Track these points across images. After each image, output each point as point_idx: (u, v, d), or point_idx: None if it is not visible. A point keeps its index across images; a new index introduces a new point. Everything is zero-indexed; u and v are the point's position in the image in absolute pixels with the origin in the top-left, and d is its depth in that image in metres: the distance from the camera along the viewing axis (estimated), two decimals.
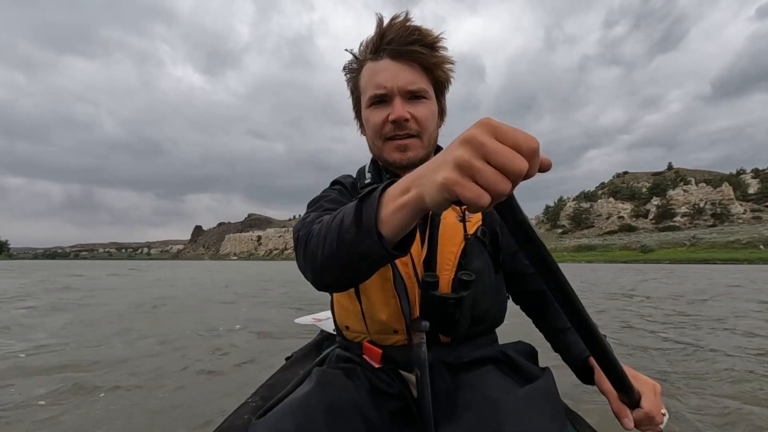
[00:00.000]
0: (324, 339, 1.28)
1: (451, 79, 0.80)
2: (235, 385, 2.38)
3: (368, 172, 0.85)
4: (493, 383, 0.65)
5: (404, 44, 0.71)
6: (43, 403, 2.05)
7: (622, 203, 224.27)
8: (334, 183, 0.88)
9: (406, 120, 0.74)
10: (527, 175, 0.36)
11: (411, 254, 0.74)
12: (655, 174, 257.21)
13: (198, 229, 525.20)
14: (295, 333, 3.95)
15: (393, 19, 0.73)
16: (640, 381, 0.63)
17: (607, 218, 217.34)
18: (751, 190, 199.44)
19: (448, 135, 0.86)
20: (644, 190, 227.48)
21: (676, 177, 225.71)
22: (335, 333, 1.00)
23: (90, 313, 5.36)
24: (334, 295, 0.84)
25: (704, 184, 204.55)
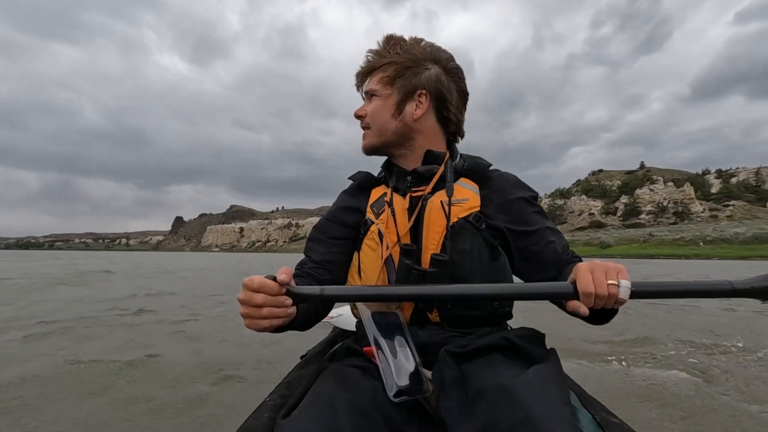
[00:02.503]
0: (337, 336, 1.30)
1: (404, 77, 0.89)
2: (251, 383, 2.44)
3: (381, 170, 1.01)
4: (501, 369, 0.67)
5: (374, 60, 0.92)
6: None
7: (594, 201, 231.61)
8: (344, 190, 1.04)
9: (358, 116, 0.94)
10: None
11: (398, 233, 0.84)
12: (628, 172, 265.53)
13: (179, 220, 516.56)
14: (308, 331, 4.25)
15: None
16: (578, 267, 0.63)
17: (579, 215, 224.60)
18: (713, 190, 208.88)
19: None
20: (615, 188, 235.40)
21: (643, 177, 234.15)
22: (348, 329, 1.06)
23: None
24: (348, 276, 0.93)
25: (671, 184, 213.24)
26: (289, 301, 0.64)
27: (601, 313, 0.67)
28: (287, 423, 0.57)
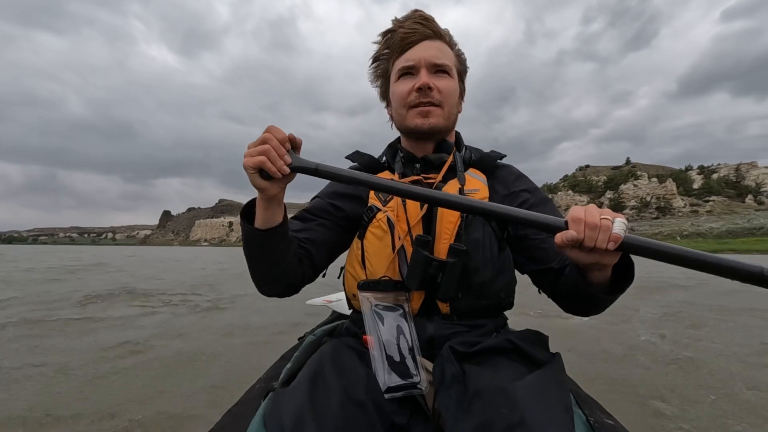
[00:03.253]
0: (335, 320, 1.31)
1: (467, 70, 0.92)
2: (249, 365, 2.53)
3: (383, 155, 0.94)
4: (502, 371, 0.66)
5: (433, 27, 0.85)
6: None
7: (580, 196, 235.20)
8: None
9: (430, 88, 0.82)
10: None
11: (409, 222, 0.81)
12: (614, 168, 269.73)
13: (166, 215, 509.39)
14: (307, 314, 4.04)
15: (414, 12, 0.86)
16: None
17: (565, 210, 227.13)
18: (695, 186, 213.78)
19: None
20: (600, 183, 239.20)
21: (628, 173, 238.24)
22: (347, 315, 1.06)
23: None
24: (346, 265, 0.89)
25: (655, 179, 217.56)
26: (289, 159, 0.64)
27: (596, 279, 0.65)
28: (282, 393, 0.59)
